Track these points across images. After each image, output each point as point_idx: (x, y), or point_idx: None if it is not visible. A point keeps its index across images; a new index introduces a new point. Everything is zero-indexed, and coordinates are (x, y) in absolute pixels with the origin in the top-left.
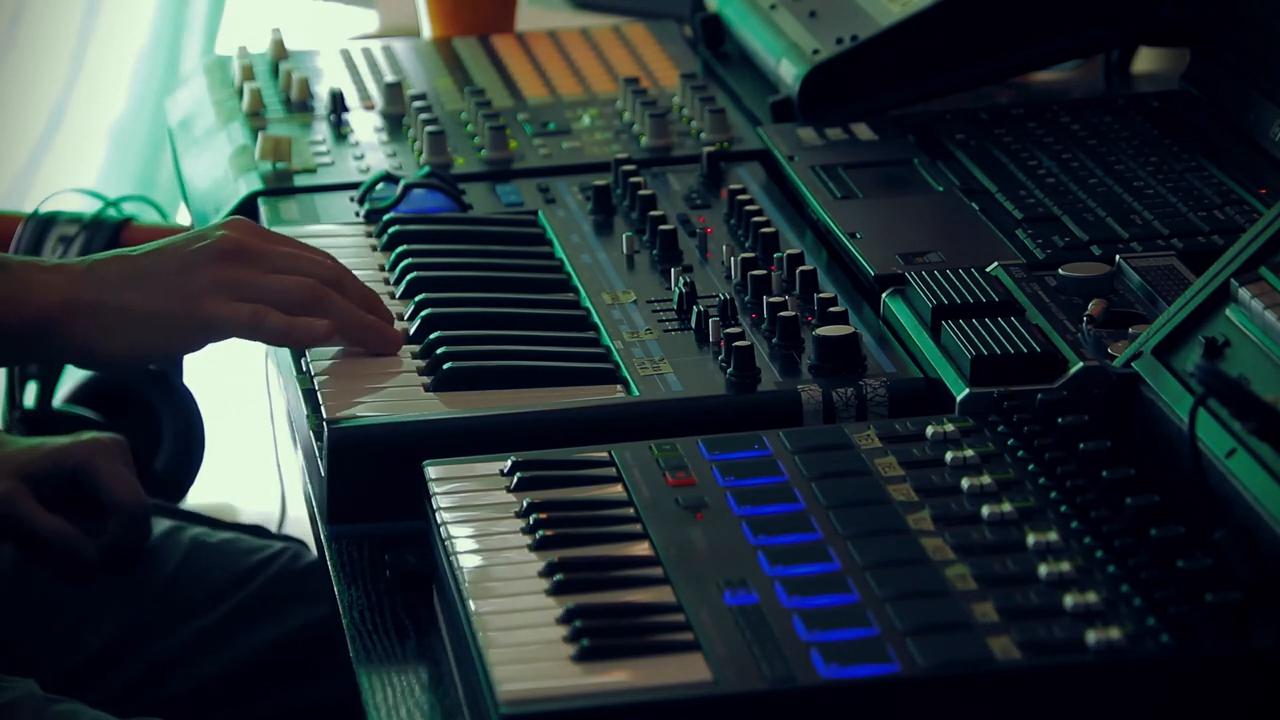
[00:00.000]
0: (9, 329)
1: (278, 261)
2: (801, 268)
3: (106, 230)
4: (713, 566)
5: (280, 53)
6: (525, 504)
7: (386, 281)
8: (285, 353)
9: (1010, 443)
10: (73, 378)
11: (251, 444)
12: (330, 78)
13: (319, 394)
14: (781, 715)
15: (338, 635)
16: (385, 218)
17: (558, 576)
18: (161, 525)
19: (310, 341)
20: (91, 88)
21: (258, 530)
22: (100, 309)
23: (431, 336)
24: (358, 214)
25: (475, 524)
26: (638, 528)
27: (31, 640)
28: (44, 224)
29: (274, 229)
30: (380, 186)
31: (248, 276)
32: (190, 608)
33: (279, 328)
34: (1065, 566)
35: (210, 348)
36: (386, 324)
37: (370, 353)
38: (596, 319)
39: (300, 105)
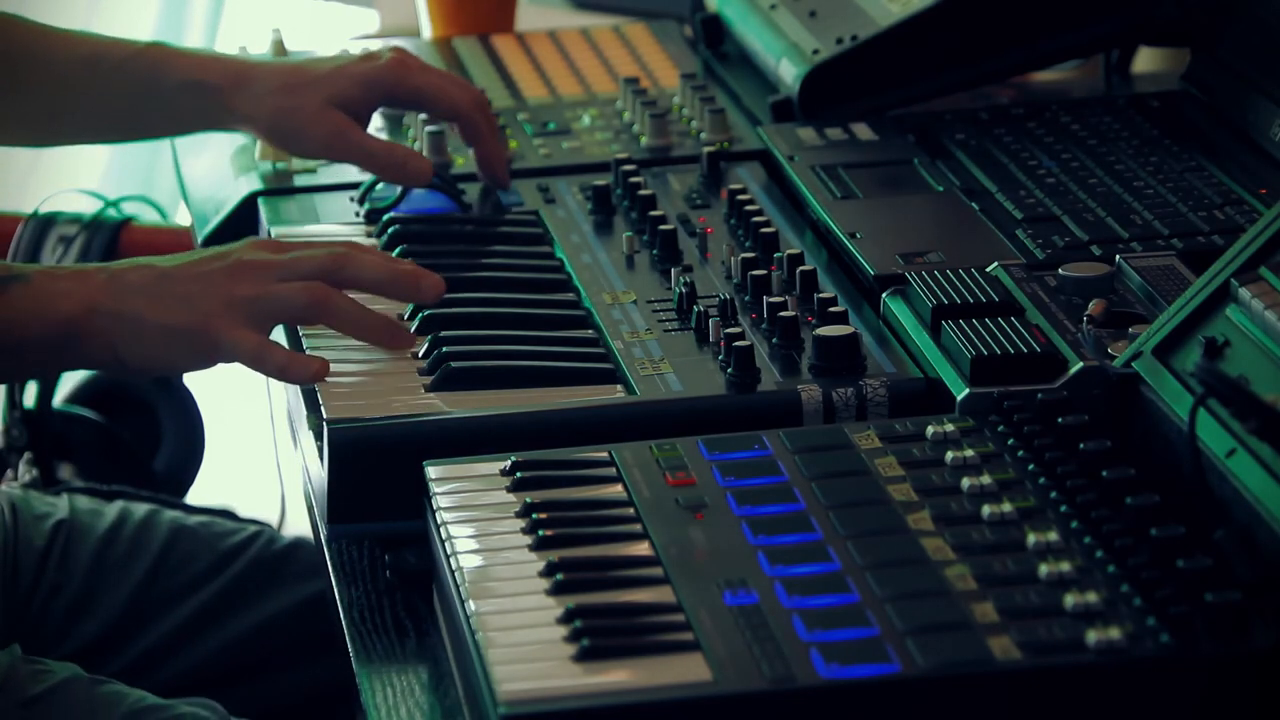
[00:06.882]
0: (34, 339)
1: (284, 271)
2: (801, 268)
3: (106, 230)
4: (713, 566)
5: (280, 53)
6: (525, 504)
7: None
8: None
9: (1010, 443)
10: (73, 377)
11: (251, 444)
12: None
13: (319, 394)
14: (781, 715)
15: (327, 616)
16: (385, 218)
17: (558, 576)
18: (140, 509)
19: (302, 381)
20: None
21: (226, 514)
22: (119, 317)
23: (432, 336)
24: (358, 214)
25: (475, 524)
26: (638, 528)
27: (25, 629)
28: (44, 224)
29: (273, 229)
30: (380, 186)
31: (254, 291)
32: (178, 592)
33: (277, 364)
34: (1065, 566)
35: None
36: (394, 322)
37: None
38: (596, 319)
39: None
